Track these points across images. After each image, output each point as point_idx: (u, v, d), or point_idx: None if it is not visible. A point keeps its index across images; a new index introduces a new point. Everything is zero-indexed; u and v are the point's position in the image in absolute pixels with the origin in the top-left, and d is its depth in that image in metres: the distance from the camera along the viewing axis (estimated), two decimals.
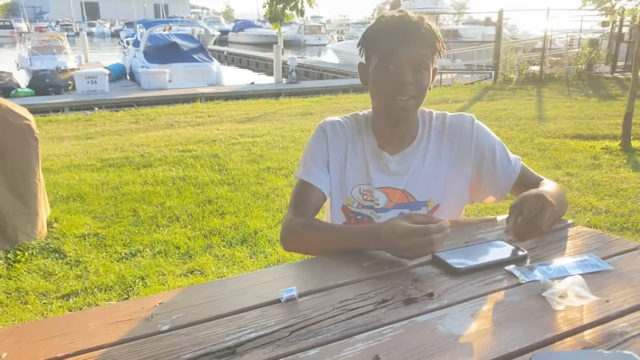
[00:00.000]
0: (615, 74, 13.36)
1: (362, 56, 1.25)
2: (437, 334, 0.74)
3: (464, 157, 1.25)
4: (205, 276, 2.95)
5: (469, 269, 0.94)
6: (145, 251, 3.29)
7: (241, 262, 3.10)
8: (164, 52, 15.43)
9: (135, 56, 16.22)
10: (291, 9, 3.70)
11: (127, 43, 19.35)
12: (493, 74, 13.12)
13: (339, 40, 28.38)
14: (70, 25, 49.82)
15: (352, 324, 0.78)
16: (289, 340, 0.74)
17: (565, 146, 5.63)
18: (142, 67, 14.92)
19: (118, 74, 16.39)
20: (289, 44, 33.41)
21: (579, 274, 0.86)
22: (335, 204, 1.31)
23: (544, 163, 4.96)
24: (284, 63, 16.06)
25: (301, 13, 3.86)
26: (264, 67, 23.18)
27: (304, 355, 0.70)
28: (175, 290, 0.92)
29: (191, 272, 3.01)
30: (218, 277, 2.92)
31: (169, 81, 14.32)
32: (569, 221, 1.17)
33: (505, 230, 1.00)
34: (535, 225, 0.96)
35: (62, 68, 15.26)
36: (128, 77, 16.74)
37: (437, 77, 14.44)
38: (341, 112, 8.28)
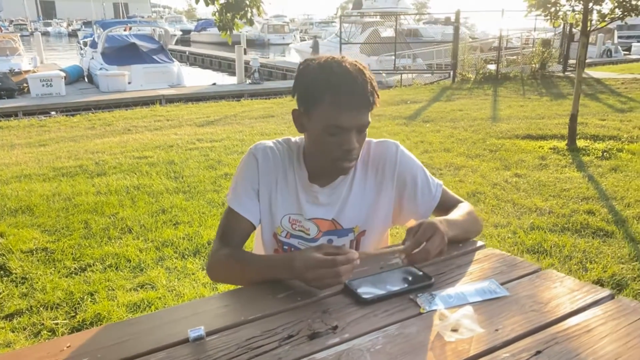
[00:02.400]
0: (566, 73, 13.84)
1: (296, 100, 1.21)
2: None
3: (387, 184, 1.30)
4: (156, 290, 2.93)
5: (376, 298, 0.98)
6: (96, 265, 3.24)
7: (193, 274, 3.09)
8: (122, 53, 15.10)
9: (92, 58, 15.82)
10: (240, 18, 3.69)
11: (85, 44, 18.83)
12: (451, 73, 13.38)
13: (301, 40, 28.37)
14: (25, 24, 48.08)
15: None
16: None
17: (515, 147, 5.81)
18: (100, 69, 14.56)
19: (75, 77, 15.95)
20: (253, 43, 33.19)
21: (472, 304, 0.91)
22: (266, 232, 1.33)
23: (494, 164, 5.11)
24: (247, 63, 15.96)
25: (250, 22, 3.85)
26: (226, 67, 22.97)
27: None
28: (86, 332, 0.93)
29: (142, 286, 2.98)
30: (169, 291, 2.91)
31: (129, 83, 14.03)
32: (480, 243, 1.23)
33: (400, 253, 1.06)
34: (424, 249, 1.04)
35: (16, 70, 14.75)
36: (86, 80, 16.31)
37: (398, 77, 14.68)
38: None
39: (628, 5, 5.25)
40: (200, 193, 4.49)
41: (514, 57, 14.69)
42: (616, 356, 0.78)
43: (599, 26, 5.55)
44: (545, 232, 3.42)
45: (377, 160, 1.30)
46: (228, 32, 4.02)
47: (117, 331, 0.91)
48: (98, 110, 10.93)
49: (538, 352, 0.80)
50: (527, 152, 5.60)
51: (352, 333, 0.88)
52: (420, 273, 1.07)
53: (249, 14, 3.84)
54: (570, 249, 3.15)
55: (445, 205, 1.31)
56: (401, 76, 14.64)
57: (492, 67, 13.66)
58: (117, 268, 3.20)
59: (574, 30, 13.60)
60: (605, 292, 0.97)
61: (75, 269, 3.20)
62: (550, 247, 3.20)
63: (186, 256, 3.33)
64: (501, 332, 0.86)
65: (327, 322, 0.92)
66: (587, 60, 18.18)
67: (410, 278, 1.06)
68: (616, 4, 5.29)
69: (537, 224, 3.56)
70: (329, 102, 1.12)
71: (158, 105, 10.91)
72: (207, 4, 3.73)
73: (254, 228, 1.30)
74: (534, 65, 13.50)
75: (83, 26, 31.84)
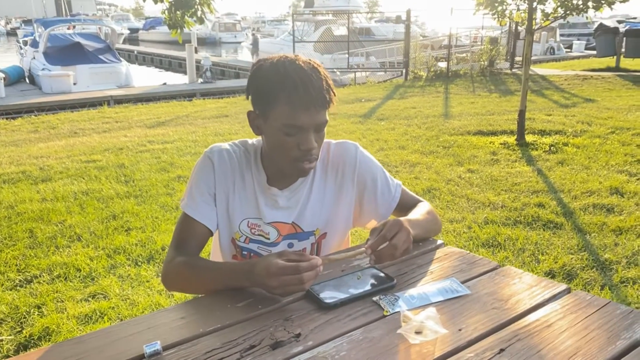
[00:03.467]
0: (513, 70, 14.33)
1: (250, 102, 1.18)
2: None
3: (347, 186, 1.28)
4: (109, 299, 2.81)
5: (339, 303, 0.96)
6: (43, 276, 3.08)
7: (147, 281, 2.99)
8: (66, 53, 14.50)
9: (34, 58, 15.10)
10: (191, 16, 3.59)
11: (25, 43, 17.96)
12: (404, 71, 13.59)
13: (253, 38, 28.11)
14: None
15: None
16: None
17: (467, 143, 5.95)
18: (43, 69, 13.91)
19: (15, 78, 15.18)
20: (204, 42, 32.62)
21: (435, 304, 0.91)
22: (224, 237, 1.28)
23: (447, 160, 5.22)
24: (198, 62, 15.66)
25: (201, 21, 3.75)
26: (177, 66, 22.47)
27: None
28: (29, 354, 0.86)
29: (93, 296, 2.85)
30: (122, 300, 2.80)
31: (74, 84, 13.47)
32: (440, 241, 1.23)
33: (365, 250, 1.05)
34: (391, 245, 1.03)
35: None
36: (27, 81, 15.56)
37: (352, 75, 14.77)
38: None
39: (570, 4, 5.47)
40: (152, 197, 4.35)
41: (464, 55, 15.08)
42: (576, 350, 0.80)
43: (543, 25, 5.75)
44: (498, 226, 3.52)
45: (337, 161, 1.28)
46: (178, 31, 3.90)
47: (66, 350, 0.85)
48: (41, 113, 10.44)
49: (501, 350, 0.80)
50: (479, 147, 5.75)
51: (315, 340, 0.85)
52: (382, 275, 1.06)
53: (199, 12, 3.74)
54: (523, 242, 3.25)
55: (405, 204, 1.31)
56: (355, 74, 14.76)
57: (442, 64, 13.96)
58: (66, 278, 3.05)
59: (519, 28, 14.09)
60: (562, 286, 0.99)
61: (20, 280, 3.03)
62: (504, 240, 3.28)
63: (139, 263, 3.21)
64: (464, 331, 0.86)
65: (290, 329, 0.89)
66: (532, 58, 18.89)
67: (372, 280, 1.04)
68: (559, 4, 5.50)
69: (490, 218, 3.65)
70: (285, 102, 1.09)
71: (106, 106, 10.53)
72: (155, 2, 3.60)
73: (211, 234, 1.25)
74: (482, 62, 13.90)
75: (23, 24, 30.37)
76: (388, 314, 0.92)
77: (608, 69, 13.50)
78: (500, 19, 5.70)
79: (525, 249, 3.15)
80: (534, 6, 5.46)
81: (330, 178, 1.28)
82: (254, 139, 1.31)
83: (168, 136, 6.75)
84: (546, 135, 6.27)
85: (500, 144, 5.87)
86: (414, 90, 11.51)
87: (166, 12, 3.85)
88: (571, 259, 2.99)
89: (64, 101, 11.92)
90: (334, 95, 1.13)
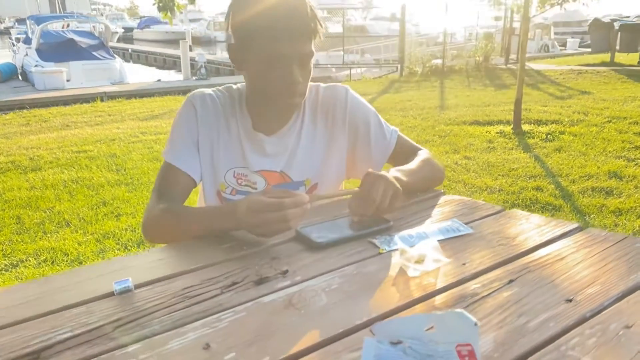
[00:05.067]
0: (508, 65, 14.28)
1: (229, 33, 1.10)
2: (280, 314, 0.67)
3: (338, 132, 1.20)
4: None
5: (331, 242, 0.88)
6: (29, 260, 2.99)
7: None
8: (60, 49, 14.32)
9: (27, 54, 14.92)
10: None
11: (17, 40, 17.78)
12: (399, 67, 13.53)
13: None
14: None
15: (189, 311, 0.69)
16: (110, 337, 0.63)
17: (464, 132, 5.88)
18: (36, 66, 13.75)
19: (8, 74, 15.00)
20: (199, 41, 32.47)
21: (437, 239, 0.83)
22: (209, 189, 1.19)
23: (443, 148, 5.15)
24: (193, 59, 15.54)
25: (192, 0, 3.66)
26: (172, 64, 22.32)
27: (120, 353, 0.60)
28: None
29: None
30: None
31: (67, 81, 13.33)
32: (440, 191, 1.15)
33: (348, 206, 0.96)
34: (371, 199, 0.93)
35: None
36: (20, 77, 15.38)
37: (347, 72, 14.71)
38: None
39: None
40: (144, 185, 4.26)
41: (459, 51, 15.03)
42: (594, 279, 0.72)
43: (539, 13, 5.69)
44: None
45: (327, 105, 1.20)
46: (169, 13, 3.81)
47: (27, 290, 0.77)
48: (34, 109, 10.31)
49: (511, 281, 0.72)
50: (475, 136, 5.68)
51: (304, 276, 0.77)
52: (378, 218, 0.98)
53: None
54: None
55: (402, 152, 1.22)
56: (350, 71, 14.69)
57: (437, 61, 13.90)
58: (52, 262, 2.96)
59: (514, 24, 14.05)
60: (574, 224, 0.91)
61: (5, 265, 2.94)
62: None
63: (129, 247, 3.13)
64: (469, 265, 0.78)
65: (277, 267, 0.81)
66: (526, 55, 18.91)
67: (367, 222, 0.96)
68: None
69: (488, 201, 3.57)
70: (266, 30, 1.01)
71: (99, 101, 10.40)
72: None
73: (195, 185, 1.16)
74: (477, 58, 13.85)
75: (16, 23, 30.14)
76: (384, 251, 0.85)
77: (603, 64, 13.47)
78: (495, 5, 5.63)
79: None
80: None
81: (320, 123, 1.19)
82: (239, 84, 1.23)
83: (161, 128, 6.65)
84: (542, 124, 6.21)
85: (497, 132, 5.80)
86: (410, 85, 11.45)
87: None
88: None
89: (56, 97, 11.77)
90: (321, 26, 1.05)
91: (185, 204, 1.14)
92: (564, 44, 26.43)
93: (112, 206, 3.78)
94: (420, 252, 0.75)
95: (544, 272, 0.75)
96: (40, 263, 2.95)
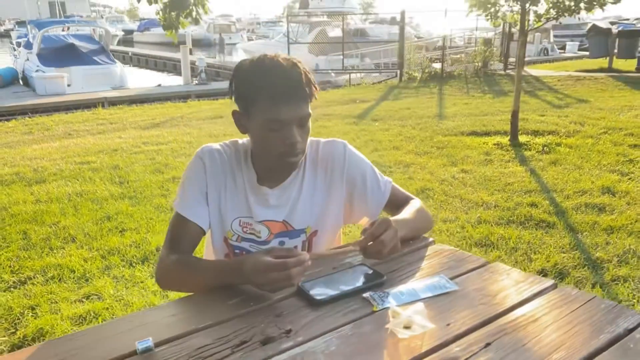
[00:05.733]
0: (507, 71, 14.38)
1: (234, 101, 1.21)
2: None
3: (336, 184, 1.30)
4: (103, 300, 2.82)
5: (329, 299, 0.98)
6: (37, 277, 3.08)
7: (142, 282, 2.99)
8: (60, 54, 14.43)
9: (28, 59, 15.03)
10: (186, 17, 3.60)
11: (18, 45, 17.88)
12: (398, 72, 13.63)
13: (248, 40, 28.12)
14: None
15: None
16: None
17: (461, 143, 5.98)
18: (37, 71, 13.86)
19: (9, 79, 15.09)
20: (199, 43, 32.56)
21: (423, 300, 0.92)
22: (216, 236, 1.30)
23: (441, 161, 5.24)
24: (193, 63, 15.65)
25: (196, 21, 3.77)
26: (172, 67, 22.42)
27: None
28: (25, 350, 0.87)
29: (87, 297, 2.85)
30: (117, 301, 2.80)
31: (68, 85, 13.43)
32: (430, 239, 1.25)
33: (354, 247, 1.08)
34: (379, 241, 1.05)
35: None
36: (21, 82, 15.48)
37: (346, 76, 14.78)
38: None
39: (562, 5, 5.51)
40: (147, 198, 4.35)
41: (458, 56, 15.12)
42: (560, 343, 0.81)
43: (535, 26, 5.79)
44: (491, 225, 3.54)
45: (326, 160, 1.30)
46: (173, 31, 3.91)
47: (59, 347, 0.86)
48: (35, 115, 10.40)
49: (488, 344, 0.82)
50: (473, 148, 5.77)
51: (305, 336, 0.87)
52: (372, 272, 1.07)
53: (194, 13, 3.75)
54: (516, 241, 3.27)
55: (395, 201, 1.32)
56: (349, 75, 14.79)
57: (437, 65, 14.00)
58: (60, 279, 3.05)
59: (512, 29, 14.14)
60: (549, 282, 1.01)
61: (14, 282, 3.02)
62: (497, 239, 3.31)
63: (134, 264, 3.22)
64: (452, 326, 0.87)
65: (281, 326, 0.90)
66: (526, 59, 19.01)
67: (363, 277, 1.06)
68: (551, 5, 5.54)
69: (483, 217, 3.68)
70: (266, 98, 1.12)
71: (100, 108, 10.50)
72: (150, 3, 3.61)
73: (204, 233, 1.26)
74: (476, 63, 13.95)
75: (16, 26, 30.22)
76: (377, 309, 0.94)
77: (601, 70, 13.59)
78: (493, 20, 5.73)
79: (518, 248, 3.17)
80: (526, 8, 5.50)
81: (320, 176, 1.29)
82: (244, 139, 1.32)
83: (163, 137, 6.74)
84: (539, 135, 6.31)
85: (494, 144, 5.90)
86: (408, 91, 11.54)
87: (161, 12, 3.86)
88: (563, 257, 3.02)
89: (58, 103, 11.88)
90: (316, 89, 1.16)
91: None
92: (563, 47, 26.52)
93: (116, 221, 3.87)
94: (408, 317, 0.85)
95: (518, 334, 0.84)
96: (47, 280, 3.04)
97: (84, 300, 2.83)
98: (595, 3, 5.51)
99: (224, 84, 15.35)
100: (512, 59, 14.84)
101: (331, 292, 1.00)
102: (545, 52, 23.67)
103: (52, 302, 2.80)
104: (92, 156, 5.83)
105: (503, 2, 5.57)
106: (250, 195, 1.25)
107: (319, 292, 1.00)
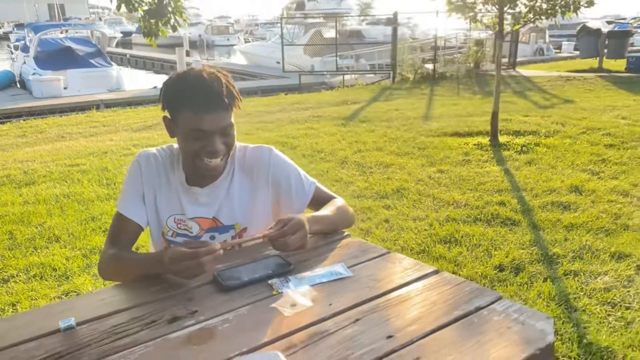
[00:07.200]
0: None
1: (163, 110, 1.34)
2: (179, 348, 0.90)
3: (262, 185, 1.44)
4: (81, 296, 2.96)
5: (238, 285, 1.12)
6: (19, 276, 3.22)
7: None
8: (57, 57, 14.62)
9: (25, 62, 15.22)
10: (164, 24, 3.74)
11: (15, 48, 18.06)
12: (391, 74, 13.76)
13: (245, 42, 28.27)
14: None
15: (112, 345, 0.92)
16: None
17: (442, 144, 6.11)
18: (34, 74, 14.03)
19: (6, 82, 15.30)
20: (196, 45, 32.74)
21: (319, 284, 1.07)
22: (155, 232, 1.45)
23: (420, 161, 5.38)
24: (189, 65, 15.80)
25: (174, 29, 3.92)
26: (169, 69, 22.62)
27: None
28: None
29: (66, 294, 2.99)
30: None
31: (65, 88, 13.60)
32: (345, 233, 1.39)
33: (262, 237, 1.22)
34: (284, 242, 1.20)
35: None
36: (18, 85, 15.67)
37: (340, 77, 14.87)
38: (244, 117, 8.29)
39: (538, 9, 5.64)
40: None
41: (451, 57, 15.25)
42: (417, 319, 0.95)
43: (513, 29, 5.93)
44: (458, 223, 3.67)
45: (252, 164, 1.44)
46: (153, 38, 4.06)
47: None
48: (31, 117, 10.57)
49: (357, 320, 0.96)
50: (453, 148, 5.90)
51: (207, 315, 1.01)
52: (283, 261, 1.22)
53: (172, 21, 3.90)
54: (479, 238, 3.41)
55: (319, 200, 1.47)
56: (343, 77, 14.91)
57: (430, 66, 14.13)
58: (41, 277, 3.19)
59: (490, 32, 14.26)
60: (431, 268, 1.14)
61: None
62: (462, 237, 3.44)
63: None
64: (333, 306, 1.01)
65: (189, 308, 1.04)
66: (521, 59, 19.13)
67: (273, 266, 1.20)
68: (527, 8, 5.68)
69: (452, 216, 3.81)
70: (188, 108, 1.26)
71: (94, 110, 10.66)
72: (130, 10, 3.75)
73: (142, 229, 1.41)
74: (469, 64, 14.08)
75: (15, 28, 30.45)
76: (277, 293, 1.08)
77: (591, 70, 13.72)
78: (473, 22, 5.87)
79: (480, 245, 3.31)
80: (504, 11, 5.63)
81: (247, 179, 1.44)
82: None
83: (153, 140, 6.89)
84: (520, 135, 6.44)
85: (474, 145, 6.03)
86: (400, 92, 11.68)
87: (141, 20, 4.01)
88: (521, 253, 3.15)
89: (53, 105, 12.04)
90: (238, 100, 1.30)
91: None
92: (559, 47, 26.63)
93: (100, 221, 4.01)
94: (294, 298, 0.99)
95: (386, 312, 0.98)
96: (30, 278, 3.18)
97: (62, 296, 2.97)
98: (571, 6, 5.65)
99: None
100: (504, 60, 14.97)
101: (242, 279, 1.14)
102: (541, 52, 23.79)
103: (32, 299, 2.95)
104: (82, 159, 5.97)
105: (481, 6, 5.70)
106: (182, 194, 1.40)
107: (231, 279, 1.14)
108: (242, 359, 0.76)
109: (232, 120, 1.31)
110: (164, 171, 1.41)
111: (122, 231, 1.36)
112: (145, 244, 2.58)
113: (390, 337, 0.89)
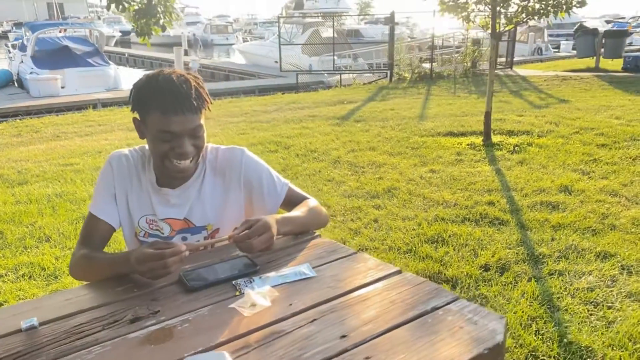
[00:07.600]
0: (496, 71, 14.50)
1: (133, 111, 1.35)
2: (136, 347, 0.91)
3: (234, 186, 1.45)
4: None
5: (201, 286, 1.13)
6: (8, 275, 3.23)
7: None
8: (54, 56, 14.63)
9: (22, 61, 15.22)
10: (154, 24, 3.76)
11: (13, 47, 18.07)
12: (388, 73, 13.76)
13: (244, 41, 28.27)
14: None
15: (71, 345, 0.93)
16: None
17: (436, 144, 6.12)
18: (31, 73, 14.04)
19: (4, 81, 15.30)
20: (191, 44, 32.71)
21: (283, 285, 1.08)
22: (127, 233, 1.46)
23: (412, 161, 5.39)
24: (186, 64, 15.81)
25: (163, 28, 3.94)
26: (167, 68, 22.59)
27: None
28: None
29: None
30: None
31: (62, 87, 13.61)
32: (316, 233, 1.40)
33: (227, 239, 1.22)
34: (249, 244, 1.20)
35: None
36: (15, 84, 15.68)
37: (338, 77, 14.87)
38: (239, 116, 8.23)
39: (531, 9, 5.65)
40: None
41: (451, 56, 15.25)
42: (373, 318, 0.96)
43: (506, 29, 5.94)
44: (447, 223, 3.68)
45: (224, 166, 1.45)
46: (146, 37, 4.07)
47: None
48: (27, 117, 10.58)
49: (314, 320, 0.97)
50: (446, 148, 5.91)
51: (168, 315, 1.02)
52: (250, 262, 1.23)
53: (161, 20, 3.91)
54: (467, 238, 3.42)
55: (292, 201, 1.48)
56: (340, 76, 14.92)
57: (427, 66, 14.13)
58: (30, 277, 3.20)
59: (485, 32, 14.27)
60: (394, 269, 1.16)
61: None
62: (449, 236, 3.45)
63: None
64: (293, 306, 1.02)
65: (152, 308, 1.05)
66: (519, 58, 19.16)
67: (240, 266, 1.21)
68: (520, 8, 5.69)
69: (441, 216, 3.82)
70: (156, 109, 1.27)
71: (91, 109, 10.66)
72: (119, 10, 3.77)
73: (113, 230, 1.42)
74: (466, 63, 14.09)
75: (14, 27, 30.45)
76: (239, 294, 1.09)
77: (588, 70, 13.73)
78: (466, 22, 5.88)
79: (467, 244, 3.32)
80: (497, 11, 5.64)
81: (219, 180, 1.45)
82: None
83: None
84: (513, 135, 6.45)
85: (467, 144, 6.04)
86: (397, 92, 11.68)
87: (132, 20, 4.02)
88: (507, 253, 3.17)
89: (51, 105, 12.05)
90: (208, 102, 1.31)
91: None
92: (558, 47, 26.64)
93: None
94: (254, 299, 1.00)
95: (343, 312, 0.99)
96: (18, 278, 3.19)
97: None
98: (564, 6, 5.66)
99: (217, 85, 15.40)
100: (501, 59, 14.98)
101: (207, 279, 1.15)
102: (539, 51, 23.80)
103: (20, 298, 2.96)
104: (76, 158, 5.99)
105: (474, 6, 5.71)
106: (153, 195, 1.41)
107: (196, 279, 1.15)
108: (191, 359, 0.77)
109: (202, 122, 1.32)
110: (136, 172, 1.42)
111: (94, 231, 1.38)
112: (122, 244, 2.62)
113: (344, 336, 0.91)
